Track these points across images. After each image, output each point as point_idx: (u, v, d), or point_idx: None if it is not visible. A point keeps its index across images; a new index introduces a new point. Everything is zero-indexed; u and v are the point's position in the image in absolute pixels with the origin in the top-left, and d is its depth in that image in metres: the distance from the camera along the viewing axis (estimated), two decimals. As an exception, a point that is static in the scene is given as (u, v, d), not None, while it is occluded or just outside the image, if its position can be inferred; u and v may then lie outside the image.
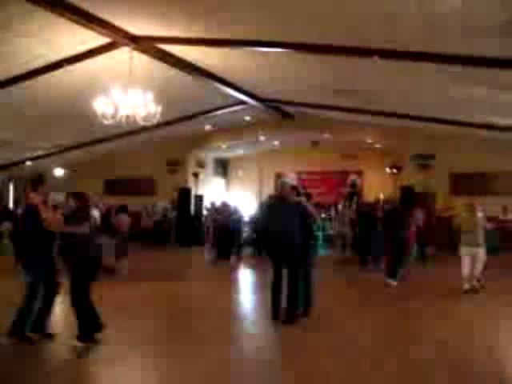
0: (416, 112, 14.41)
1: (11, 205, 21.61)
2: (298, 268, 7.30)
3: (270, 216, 7.71)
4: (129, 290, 9.74)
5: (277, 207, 7.61)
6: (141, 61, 10.37)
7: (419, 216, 12.57)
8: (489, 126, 14.38)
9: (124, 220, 11.55)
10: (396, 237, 10.65)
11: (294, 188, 7.88)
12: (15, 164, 20.83)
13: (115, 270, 11.02)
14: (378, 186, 19.59)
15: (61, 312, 7.16)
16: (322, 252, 12.32)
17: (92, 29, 8.87)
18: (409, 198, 14.61)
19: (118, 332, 6.39)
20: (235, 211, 15.39)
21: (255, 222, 15.58)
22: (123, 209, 11.87)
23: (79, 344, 5.70)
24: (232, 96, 14.52)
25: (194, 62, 11.39)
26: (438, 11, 6.77)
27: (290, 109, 17.06)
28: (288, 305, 7.18)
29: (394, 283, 10.23)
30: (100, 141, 18.29)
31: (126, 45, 9.80)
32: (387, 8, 6.99)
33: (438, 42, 8.04)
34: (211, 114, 16.87)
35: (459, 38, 7.70)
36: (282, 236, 7.25)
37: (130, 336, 6.48)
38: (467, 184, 16.68)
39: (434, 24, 7.28)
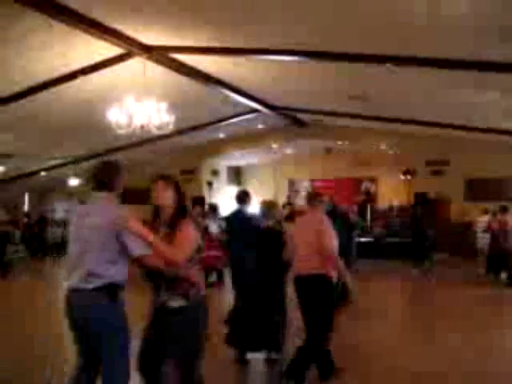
0: (430, 118, 14.34)
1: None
2: None
3: None
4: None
5: None
6: (154, 71, 10.41)
7: None
8: (504, 132, 14.28)
9: None
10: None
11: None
12: (29, 175, 20.91)
13: None
14: (391, 193, 19.49)
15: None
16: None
17: (106, 40, 8.92)
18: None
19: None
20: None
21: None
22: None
23: None
24: (245, 104, 14.56)
25: (207, 71, 11.43)
26: (448, 16, 6.77)
27: (304, 116, 17.05)
28: None
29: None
30: (114, 150, 18.36)
31: (140, 55, 9.86)
32: (401, 17, 7.03)
33: (450, 48, 8.03)
34: (225, 123, 16.90)
35: (471, 43, 7.69)
36: None
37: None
38: (482, 190, 16.55)
39: (446, 30, 7.28)
